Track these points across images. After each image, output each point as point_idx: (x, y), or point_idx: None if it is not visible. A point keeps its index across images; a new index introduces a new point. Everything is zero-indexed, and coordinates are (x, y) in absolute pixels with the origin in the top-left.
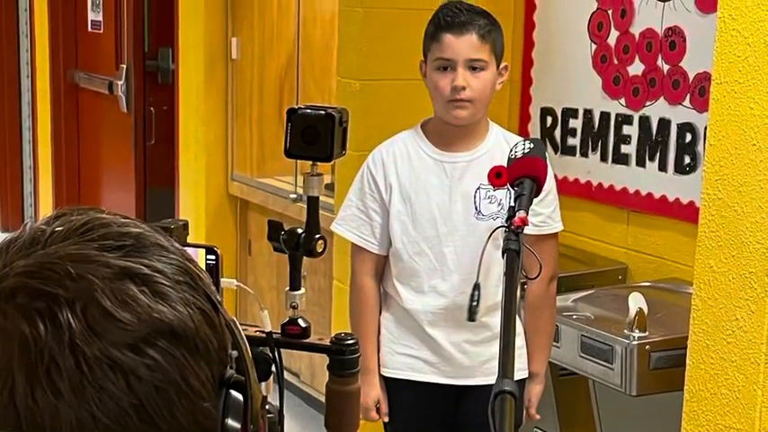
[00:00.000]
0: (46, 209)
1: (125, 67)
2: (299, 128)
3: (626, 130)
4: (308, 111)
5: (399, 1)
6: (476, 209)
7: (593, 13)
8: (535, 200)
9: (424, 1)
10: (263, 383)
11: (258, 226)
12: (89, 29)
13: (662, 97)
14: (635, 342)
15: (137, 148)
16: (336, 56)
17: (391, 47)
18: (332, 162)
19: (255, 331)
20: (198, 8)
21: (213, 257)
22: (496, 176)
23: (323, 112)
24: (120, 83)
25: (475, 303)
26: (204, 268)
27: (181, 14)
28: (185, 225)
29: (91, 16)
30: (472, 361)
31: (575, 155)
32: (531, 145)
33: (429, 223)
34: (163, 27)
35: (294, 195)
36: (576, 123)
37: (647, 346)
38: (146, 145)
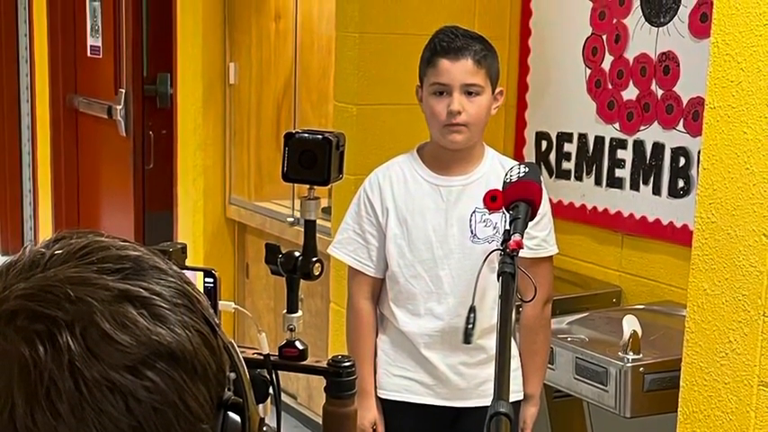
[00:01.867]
0: (45, 232)
1: (124, 91)
2: (296, 152)
3: (620, 154)
4: (306, 135)
5: (396, 26)
6: (471, 232)
7: (587, 38)
8: (530, 223)
9: (420, 26)
10: (261, 405)
11: (256, 249)
12: (88, 54)
13: (656, 122)
14: (629, 364)
15: (135, 171)
16: (333, 81)
17: (388, 72)
18: (329, 186)
19: (253, 353)
20: (196, 33)
21: (211, 280)
22: (492, 200)
23: (320, 136)
24: (119, 107)
25: (470, 326)
26: (202, 291)
27: (179, 40)
28: (183, 248)
29: (90, 41)
30: (468, 383)
31: (569, 179)
32: (527, 169)
33: (425, 246)
34: (161, 52)
35: (291, 219)
36: (571, 147)
37: (641, 369)
38: (144, 169)
